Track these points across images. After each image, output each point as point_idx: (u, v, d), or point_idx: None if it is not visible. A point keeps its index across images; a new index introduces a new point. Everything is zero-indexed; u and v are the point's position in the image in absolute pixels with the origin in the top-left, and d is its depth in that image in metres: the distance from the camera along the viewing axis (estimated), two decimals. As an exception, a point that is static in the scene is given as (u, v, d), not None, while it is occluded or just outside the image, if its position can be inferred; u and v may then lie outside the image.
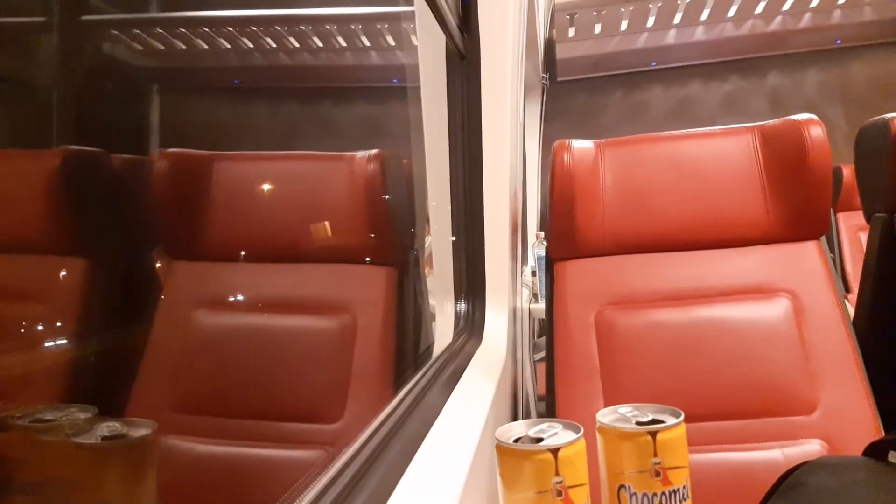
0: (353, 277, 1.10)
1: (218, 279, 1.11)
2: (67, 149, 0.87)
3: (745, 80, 3.76)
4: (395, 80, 3.16)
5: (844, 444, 0.93)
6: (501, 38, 1.07)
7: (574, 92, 3.84)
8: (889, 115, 1.09)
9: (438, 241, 1.17)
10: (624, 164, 1.17)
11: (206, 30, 2.01)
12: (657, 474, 0.53)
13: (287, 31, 2.62)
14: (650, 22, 3.42)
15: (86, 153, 0.91)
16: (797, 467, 0.55)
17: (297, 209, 1.12)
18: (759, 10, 3.35)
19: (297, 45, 2.75)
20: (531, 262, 2.35)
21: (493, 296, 1.11)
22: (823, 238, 1.11)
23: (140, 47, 1.29)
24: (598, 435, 0.57)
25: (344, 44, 2.98)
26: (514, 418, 1.16)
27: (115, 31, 1.15)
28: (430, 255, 1.20)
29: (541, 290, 2.14)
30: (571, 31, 3.46)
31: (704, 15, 3.39)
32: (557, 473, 0.49)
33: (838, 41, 3.59)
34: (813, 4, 3.29)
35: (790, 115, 1.11)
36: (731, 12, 3.37)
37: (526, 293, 2.02)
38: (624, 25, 3.43)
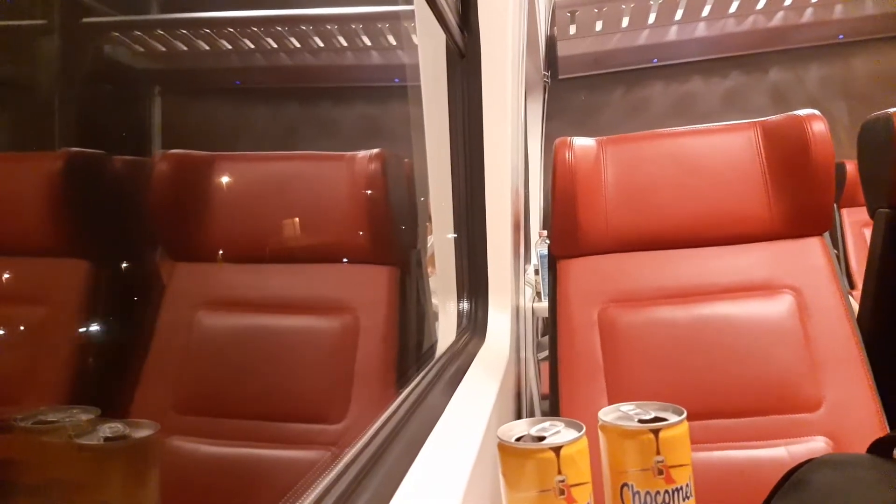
0: (355, 277, 1.10)
1: (220, 280, 1.11)
2: (69, 151, 0.87)
3: (746, 76, 3.75)
4: (395, 80, 3.16)
5: (849, 442, 0.92)
6: (502, 36, 1.07)
7: (575, 90, 3.83)
8: (892, 110, 1.09)
9: (440, 240, 1.16)
10: (626, 161, 1.16)
11: (207, 31, 2.02)
12: (660, 472, 0.53)
13: (288, 32, 2.63)
14: (651, 18, 3.41)
15: (87, 155, 0.91)
16: (801, 465, 0.54)
17: (298, 209, 1.12)
18: (760, 5, 3.34)
19: (297, 45, 2.75)
20: (534, 260, 2.35)
21: (496, 295, 1.10)
22: (827, 234, 1.10)
23: (141, 49, 1.30)
24: (600, 433, 0.57)
25: (345, 43, 2.99)
26: (518, 417, 1.16)
27: (116, 33, 1.15)
28: (433, 254, 1.20)
29: (544, 288, 2.14)
30: (572, 29, 3.45)
31: (706, 11, 3.38)
32: (560, 472, 0.49)
33: (840, 36, 3.57)
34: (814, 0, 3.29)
35: (792, 110, 1.11)
36: (733, 8, 3.36)
37: (529, 292, 2.01)
38: (625, 22, 3.42)
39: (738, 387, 0.98)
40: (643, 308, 1.06)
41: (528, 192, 3.05)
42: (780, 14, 3.41)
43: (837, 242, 2.92)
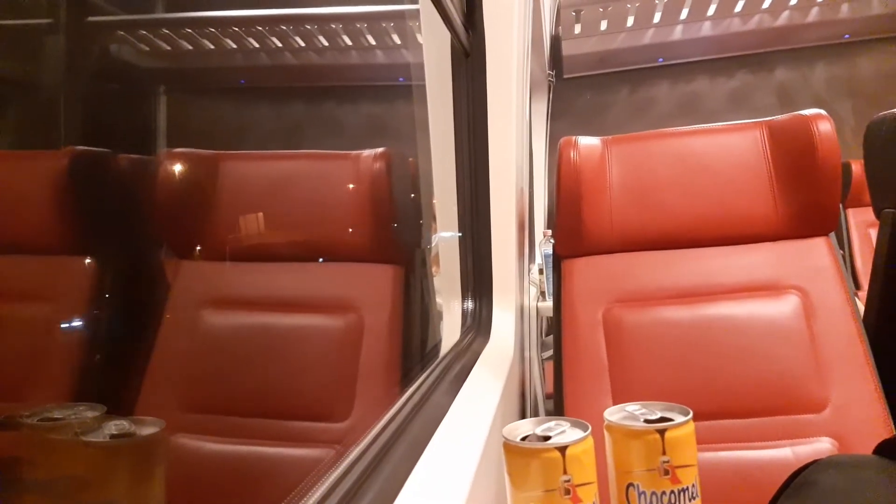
0: (359, 276, 1.10)
1: (225, 278, 1.11)
2: (74, 149, 0.88)
3: (752, 76, 3.74)
4: (400, 79, 3.16)
5: (855, 443, 0.92)
6: (506, 35, 1.07)
7: (580, 89, 3.83)
8: (899, 110, 1.08)
9: (445, 239, 1.16)
10: (631, 160, 1.16)
11: (212, 30, 2.02)
12: (666, 473, 0.53)
13: (292, 31, 2.63)
14: (657, 18, 3.40)
15: (93, 153, 0.91)
16: (807, 466, 0.54)
17: (303, 208, 1.12)
18: (766, 4, 3.33)
19: (302, 44, 2.75)
20: (538, 259, 2.35)
21: (501, 294, 1.10)
22: (833, 234, 1.10)
23: (146, 48, 1.30)
24: (606, 433, 0.56)
25: (349, 43, 2.99)
26: (522, 417, 1.16)
27: (122, 32, 1.15)
28: (437, 253, 1.20)
29: (548, 287, 2.14)
30: (577, 28, 3.45)
31: (711, 10, 3.37)
32: (565, 472, 0.49)
33: (846, 35, 3.56)
34: (820, -1, 3.28)
35: (798, 110, 1.10)
36: (738, 7, 3.35)
37: (533, 291, 2.01)
38: (630, 21, 3.41)
39: (744, 387, 0.97)
40: (648, 308, 1.06)
41: (532, 191, 3.05)
42: (786, 13, 3.40)
43: (843, 243, 2.90)
